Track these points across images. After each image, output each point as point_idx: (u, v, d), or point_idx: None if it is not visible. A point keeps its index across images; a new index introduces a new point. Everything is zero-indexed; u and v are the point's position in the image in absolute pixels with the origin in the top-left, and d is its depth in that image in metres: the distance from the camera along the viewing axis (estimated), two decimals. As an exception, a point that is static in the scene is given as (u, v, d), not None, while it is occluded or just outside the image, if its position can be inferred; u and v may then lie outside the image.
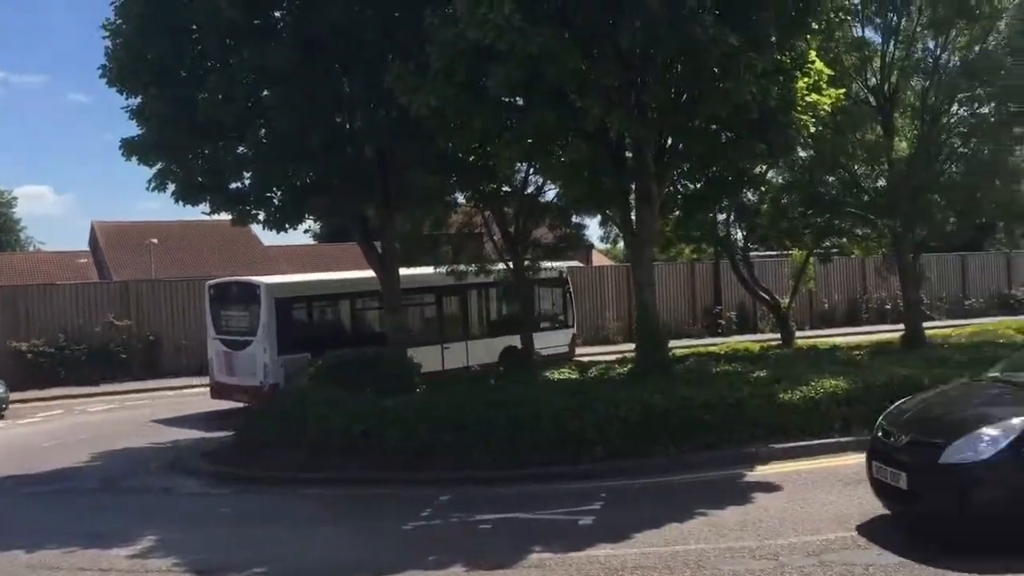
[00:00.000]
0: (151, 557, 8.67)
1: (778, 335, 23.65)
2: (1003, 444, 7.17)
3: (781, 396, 12.31)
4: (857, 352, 17.72)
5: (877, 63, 18.65)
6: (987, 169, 17.84)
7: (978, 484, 7.21)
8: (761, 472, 10.94)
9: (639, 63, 12.85)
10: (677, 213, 18.06)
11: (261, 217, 16.01)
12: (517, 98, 13.58)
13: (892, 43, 18.47)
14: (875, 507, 8.87)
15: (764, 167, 16.72)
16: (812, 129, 13.52)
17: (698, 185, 16.46)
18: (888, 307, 34.92)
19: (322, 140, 14.36)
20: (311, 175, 15.26)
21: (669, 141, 14.29)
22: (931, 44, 18.42)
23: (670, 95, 13.25)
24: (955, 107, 18.55)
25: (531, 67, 11.80)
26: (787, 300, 23.75)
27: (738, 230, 23.44)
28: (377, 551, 8.54)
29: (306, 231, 56.19)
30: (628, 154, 14.44)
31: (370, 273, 17.66)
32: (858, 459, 11.15)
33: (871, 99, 18.82)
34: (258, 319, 18.96)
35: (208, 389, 20.34)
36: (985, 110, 18.17)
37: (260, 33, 14.04)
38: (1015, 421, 7.34)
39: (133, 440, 16.30)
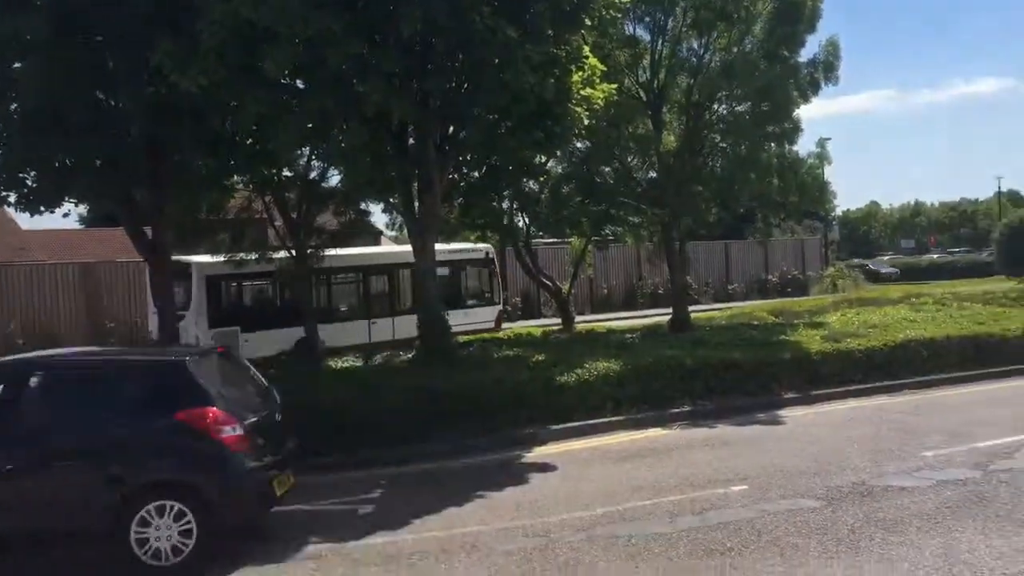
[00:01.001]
0: None
1: (560, 320, 24.44)
2: None
3: (558, 379, 12.78)
4: (630, 335, 18.63)
5: (647, 60, 19.60)
6: (744, 163, 19.19)
7: None
8: (538, 453, 11.31)
9: (421, 51, 12.86)
10: (460, 201, 18.24)
11: (12, 199, 14.69)
12: (297, 81, 13.26)
13: (660, 41, 19.44)
14: (642, 481, 9.42)
15: (543, 157, 17.16)
16: (587, 121, 13.99)
17: (479, 174, 16.71)
18: (661, 292, 36.91)
19: (82, 118, 13.35)
20: (71, 155, 14.15)
21: (451, 130, 14.40)
22: (695, 44, 19.54)
23: (451, 84, 13.35)
24: (716, 105, 19.78)
25: (310, 50, 11.55)
26: (567, 286, 24.59)
27: (521, 218, 23.97)
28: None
29: (65, 215, 51.91)
30: (410, 141, 14.45)
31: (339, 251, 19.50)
32: (629, 436, 11.89)
33: (642, 94, 19.76)
34: (190, 295, 20.37)
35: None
36: (742, 108, 19.51)
37: (16, 2, 12.86)
38: None
39: None
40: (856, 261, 60.93)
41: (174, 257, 18.71)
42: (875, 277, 50.90)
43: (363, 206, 20.68)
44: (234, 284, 21.86)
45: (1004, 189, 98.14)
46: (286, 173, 18.30)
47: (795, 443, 10.91)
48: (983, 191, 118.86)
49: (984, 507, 7.77)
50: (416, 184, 14.72)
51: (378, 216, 53.36)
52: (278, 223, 19.59)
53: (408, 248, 20.83)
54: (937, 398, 13.58)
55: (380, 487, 9.97)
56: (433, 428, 11.64)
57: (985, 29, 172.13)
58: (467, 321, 22.51)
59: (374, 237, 45.11)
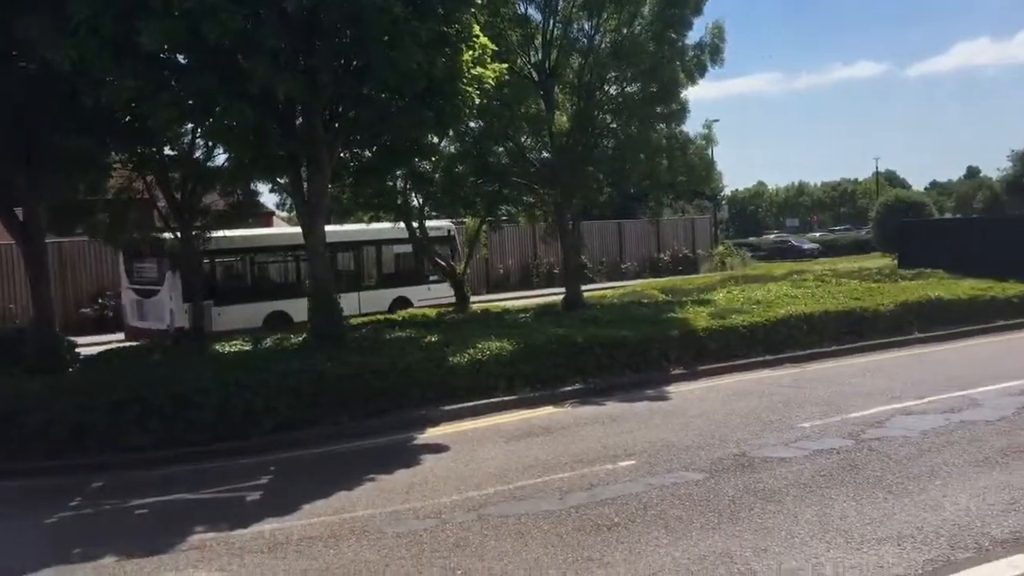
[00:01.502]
0: None
1: (455, 301, 24.37)
2: None
3: (450, 360, 12.76)
4: (524, 315, 18.74)
5: (539, 40, 19.64)
6: (634, 144, 19.46)
7: None
8: (431, 434, 11.29)
9: (307, 27, 12.57)
10: (351, 181, 17.96)
11: None
12: (177, 55, 12.79)
13: (552, 22, 19.51)
14: (533, 460, 9.50)
15: (435, 137, 17.03)
16: (478, 101, 13.95)
17: (371, 153, 16.46)
18: (556, 271, 37.27)
19: (-56, 94, 12.61)
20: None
21: (340, 108, 14.14)
22: (586, 25, 19.67)
23: (339, 61, 13.10)
24: (607, 85, 19.97)
25: (189, 24, 11.14)
26: (462, 266, 24.54)
27: (415, 198, 23.77)
28: (14, 548, 7.77)
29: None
30: (298, 120, 14.12)
31: (272, 230, 21.51)
32: (521, 415, 11.97)
33: (534, 74, 19.81)
34: (164, 271, 21.40)
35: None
36: (632, 89, 19.76)
37: None
38: None
39: None
40: (773, 238, 63.22)
41: (151, 236, 20.22)
42: (799, 254, 52.75)
43: (252, 186, 20.26)
44: (207, 261, 22.13)
45: (882, 169, 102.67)
46: (168, 152, 17.69)
47: (681, 418, 11.18)
48: (862, 171, 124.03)
49: (856, 474, 8.12)
50: (304, 164, 14.42)
51: (270, 197, 52.21)
52: (162, 204, 18.95)
53: (373, 227, 23.60)
54: (816, 371, 14.11)
55: (268, 473, 9.78)
56: (324, 412, 11.49)
57: (863, 15, 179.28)
58: (430, 296, 24.79)
59: (265, 218, 44.18)
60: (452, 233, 26.96)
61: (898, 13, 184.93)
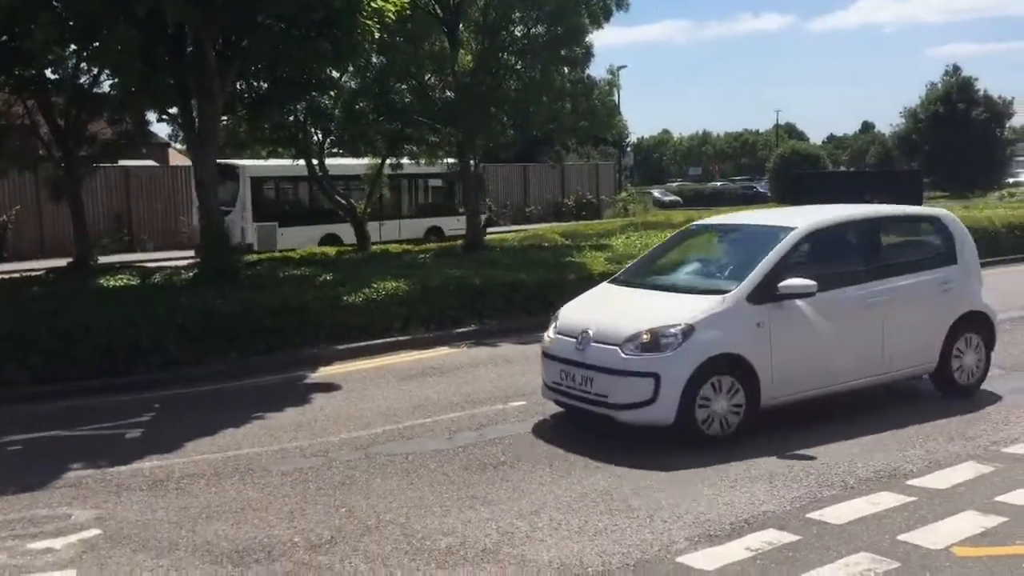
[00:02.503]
0: None
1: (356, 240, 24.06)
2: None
3: (345, 299, 12.62)
4: (423, 256, 18.65)
5: (443, -25, 19.25)
6: (537, 86, 19.38)
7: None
8: (323, 373, 11.18)
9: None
10: (244, 113, 17.41)
11: None
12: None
13: (458, -43, 19.14)
14: (424, 400, 9.52)
15: (334, 71, 16.59)
16: (378, 35, 13.66)
17: (266, 85, 15.96)
18: (460, 212, 37.09)
19: None
20: None
21: (233, 36, 13.63)
22: (492, -38, 19.37)
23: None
24: (512, 26, 19.75)
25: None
26: (363, 206, 24.20)
27: (315, 134, 23.24)
28: None
29: None
30: (189, 47, 13.57)
31: (337, 160, 25.01)
32: (415, 356, 11.95)
33: (438, 11, 19.45)
34: (237, 193, 25.09)
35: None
36: (536, 31, 19.60)
37: None
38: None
39: None
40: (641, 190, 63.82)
41: (221, 160, 20.36)
42: (661, 204, 53.51)
43: (142, 115, 19.46)
44: (273, 185, 26.53)
45: (783, 122, 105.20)
46: (50, 75, 16.81)
47: (574, 360, 11.31)
48: (764, 123, 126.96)
49: (736, 416, 8.35)
50: (195, 93, 13.89)
51: (163, 127, 50.31)
52: (45, 131, 18.06)
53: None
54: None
55: (151, 411, 9.52)
56: (213, 350, 11.24)
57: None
58: (458, 226, 26.35)
59: (161, 149, 42.61)
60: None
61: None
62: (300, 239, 24.98)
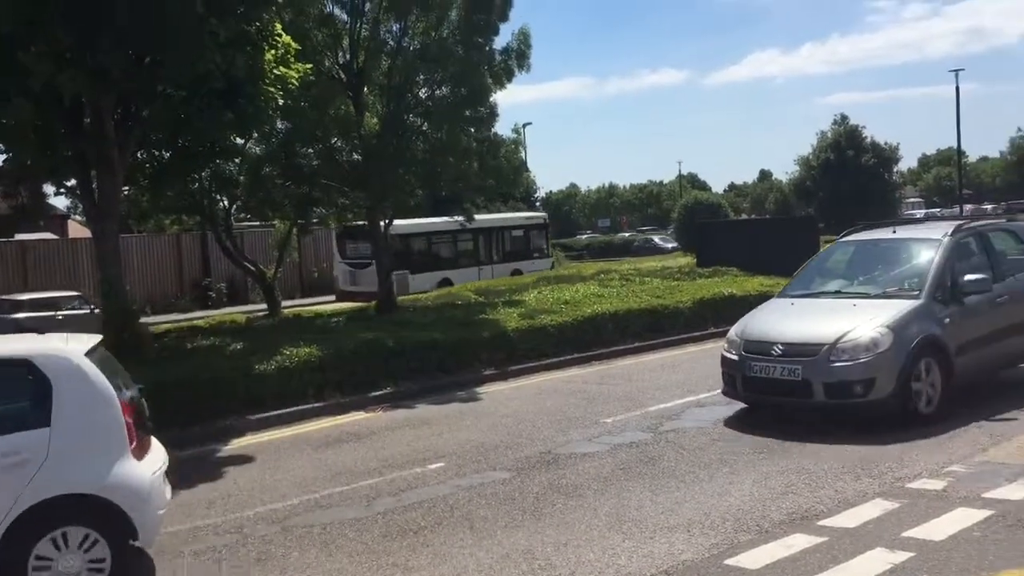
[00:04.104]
0: None
1: (266, 306, 23.73)
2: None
3: (257, 367, 12.40)
4: (336, 319, 18.48)
5: (346, 41, 19.40)
6: (444, 147, 19.57)
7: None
8: (236, 445, 10.93)
9: (95, 21, 11.85)
10: (146, 183, 17.09)
11: None
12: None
13: (359, 23, 19.33)
14: (341, 467, 9.38)
15: (238, 138, 16.48)
16: (282, 102, 13.65)
17: (167, 155, 15.72)
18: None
19: None
20: None
21: (133, 107, 13.44)
22: (394, 27, 19.61)
23: (130, 58, 12.44)
24: (416, 88, 19.98)
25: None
26: (272, 271, 23.91)
27: (222, 200, 22.96)
28: None
29: None
30: (87, 119, 13.32)
31: (441, 219, 32.03)
32: (331, 422, 11.79)
33: (342, 75, 19.56)
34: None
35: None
36: (441, 92, 19.85)
37: None
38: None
39: None
40: (625, 235, 64.24)
41: (359, 222, 25.46)
42: (660, 251, 53.49)
43: (41, 188, 18.94)
44: (405, 240, 32.15)
45: (685, 172, 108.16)
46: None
47: (491, 418, 11.34)
48: (668, 174, 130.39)
49: (652, 466, 8.49)
50: (94, 165, 13.60)
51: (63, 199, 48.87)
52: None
53: (499, 216, 37.21)
54: (621, 367, 14.67)
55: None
56: (119, 427, 10.85)
57: (667, 25, 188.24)
58: (534, 268, 34.74)
59: (57, 220, 41.39)
60: (545, 221, 40.42)
61: (698, 23, 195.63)
62: (425, 284, 31.16)
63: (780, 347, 9.54)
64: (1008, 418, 9.20)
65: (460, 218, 27.85)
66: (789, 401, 9.59)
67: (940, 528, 6.26)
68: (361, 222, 26.52)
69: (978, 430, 8.88)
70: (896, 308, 9.49)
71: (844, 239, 11.69)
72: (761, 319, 10.41)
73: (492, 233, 36.56)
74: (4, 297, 23.39)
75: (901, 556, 5.83)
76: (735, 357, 10.03)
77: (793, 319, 10.04)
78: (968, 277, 9.77)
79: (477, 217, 29.93)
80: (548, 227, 40.29)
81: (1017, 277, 10.60)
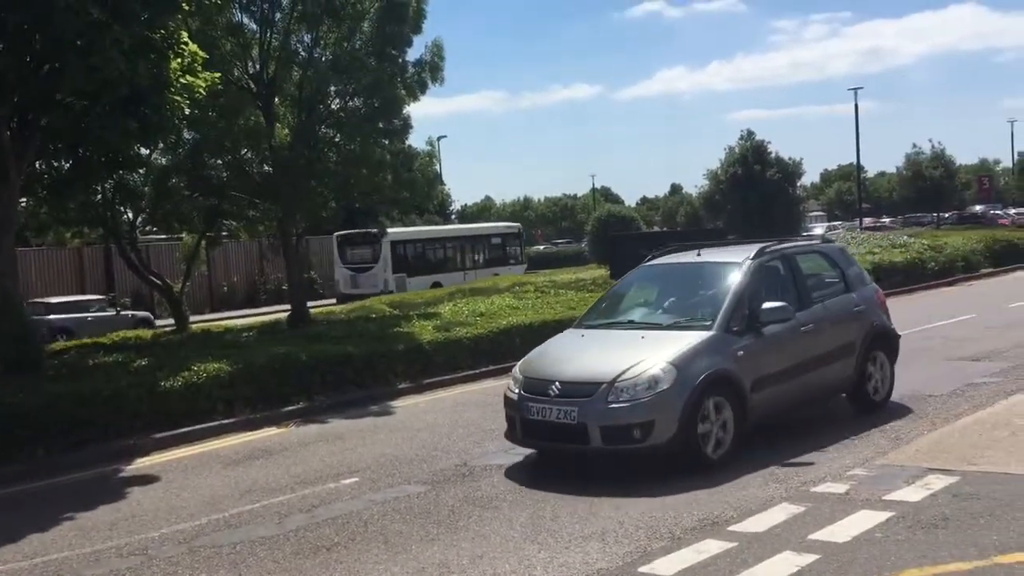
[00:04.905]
0: None
1: (173, 321, 23.07)
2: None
3: (163, 384, 12.02)
4: (247, 334, 18.08)
5: (256, 51, 19.09)
6: (356, 159, 19.37)
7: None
8: (140, 464, 10.59)
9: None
10: (45, 195, 16.45)
11: None
12: None
13: (269, 33, 19.03)
14: (252, 484, 9.15)
15: (142, 148, 16.00)
16: (187, 111, 13.31)
17: (67, 165, 15.16)
18: (284, 288, 36.38)
19: None
20: None
21: (30, 115, 12.94)
22: (306, 38, 19.38)
23: (27, 64, 11.99)
24: (329, 100, 19.76)
25: None
26: (180, 285, 23.29)
27: (126, 212, 22.27)
28: None
29: None
30: (-19, 127, 12.77)
31: (436, 228, 42.32)
32: (242, 439, 11.56)
33: (252, 85, 19.22)
34: (380, 253, 36.31)
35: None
36: (354, 104, 19.68)
37: None
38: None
39: None
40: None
41: (368, 230, 34.88)
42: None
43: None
44: (402, 246, 37.36)
45: (598, 186, 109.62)
46: None
47: (406, 432, 11.24)
48: (582, 187, 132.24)
49: (568, 475, 8.51)
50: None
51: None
52: None
53: (480, 224, 47.26)
54: (535, 379, 14.66)
55: (-55, 521, 8.70)
56: (14, 448, 10.40)
57: (579, 41, 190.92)
58: (511, 272, 37.34)
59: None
60: (520, 231, 45.23)
61: (607, 41, 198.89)
62: (420, 285, 33.70)
63: (558, 386, 8.45)
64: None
65: (452, 226, 31.99)
66: (568, 448, 8.57)
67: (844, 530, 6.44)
68: (361, 230, 35.25)
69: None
70: (684, 341, 8.51)
71: (649, 262, 10.68)
72: (545, 353, 9.44)
73: (476, 241, 41.51)
74: (37, 300, 26.25)
75: (808, 558, 5.92)
76: (514, 396, 8.90)
77: (576, 354, 9.05)
78: (767, 305, 8.83)
79: (463, 225, 35.36)
80: (522, 236, 45.05)
81: (827, 304, 9.82)
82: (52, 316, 24.69)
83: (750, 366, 8.64)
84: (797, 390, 9.22)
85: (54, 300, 26.78)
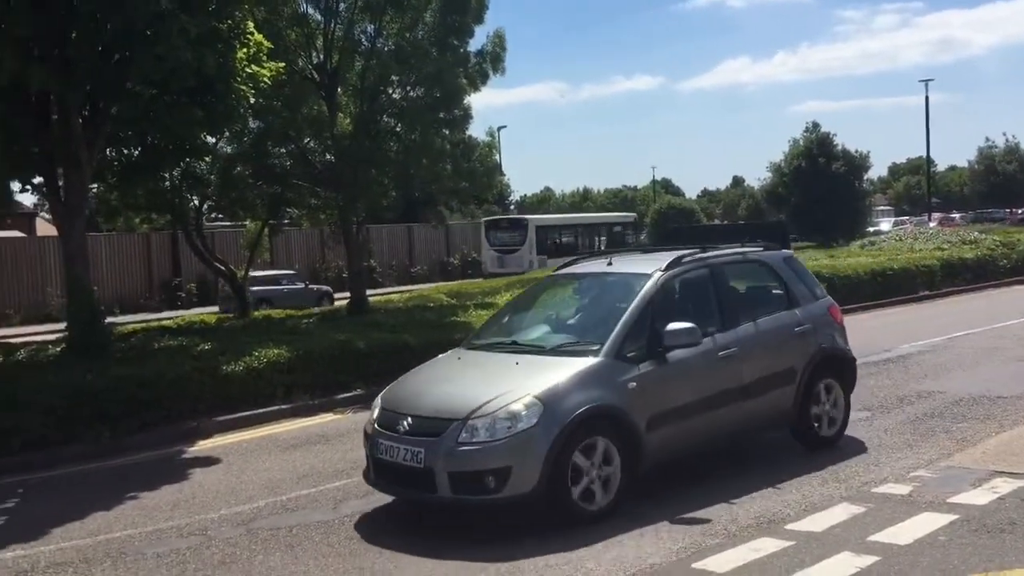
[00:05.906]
0: None
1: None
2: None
3: (225, 368, 12.24)
4: (307, 320, 18.33)
5: (320, 41, 19.28)
6: (417, 149, 19.46)
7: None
8: (202, 447, 10.80)
9: (63, 15, 11.69)
10: (115, 180, 16.85)
11: None
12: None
13: (333, 23, 19.21)
14: (309, 469, 9.29)
15: (208, 136, 16.30)
16: (253, 100, 13.52)
17: (136, 152, 15.51)
18: (345, 275, 36.84)
19: None
20: None
21: (101, 103, 13.25)
22: (369, 28, 19.52)
23: (99, 53, 12.27)
24: (390, 89, 19.89)
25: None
26: (243, 271, 23.69)
27: (192, 199, 22.71)
28: None
29: None
30: (53, 115, 13.12)
31: (574, 215, 52.75)
32: (300, 424, 11.70)
33: (315, 75, 19.43)
34: (526, 237, 42.00)
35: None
36: (415, 94, 19.77)
37: None
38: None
39: None
40: None
41: (516, 216, 44.52)
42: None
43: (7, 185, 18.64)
44: (545, 231, 42.92)
45: (659, 178, 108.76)
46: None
47: (461, 420, 11.24)
48: (642, 179, 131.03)
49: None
50: (61, 162, 13.40)
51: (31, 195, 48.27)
52: None
53: (591, 215, 53.40)
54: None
55: (16, 497, 8.98)
56: (83, 429, 10.68)
57: (640, 33, 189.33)
58: None
59: (28, 219, 40.88)
60: (636, 220, 50.08)
61: (670, 31, 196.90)
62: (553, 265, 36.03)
63: (409, 421, 7.08)
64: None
65: (583, 214, 34.17)
66: (414, 496, 7.22)
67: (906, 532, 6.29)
68: (507, 216, 41.13)
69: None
70: (563, 370, 7.05)
71: (558, 271, 9.36)
72: (409, 379, 8.13)
73: (601, 228, 46.15)
74: (255, 274, 27.34)
75: (867, 560, 5.81)
76: (370, 430, 7.57)
77: (441, 381, 7.66)
78: (671, 327, 7.28)
79: (591, 214, 39.06)
80: (637, 225, 49.54)
81: (759, 324, 8.27)
82: (255, 288, 26.43)
83: (646, 400, 7.17)
84: (712, 427, 7.76)
85: (258, 274, 28.72)
